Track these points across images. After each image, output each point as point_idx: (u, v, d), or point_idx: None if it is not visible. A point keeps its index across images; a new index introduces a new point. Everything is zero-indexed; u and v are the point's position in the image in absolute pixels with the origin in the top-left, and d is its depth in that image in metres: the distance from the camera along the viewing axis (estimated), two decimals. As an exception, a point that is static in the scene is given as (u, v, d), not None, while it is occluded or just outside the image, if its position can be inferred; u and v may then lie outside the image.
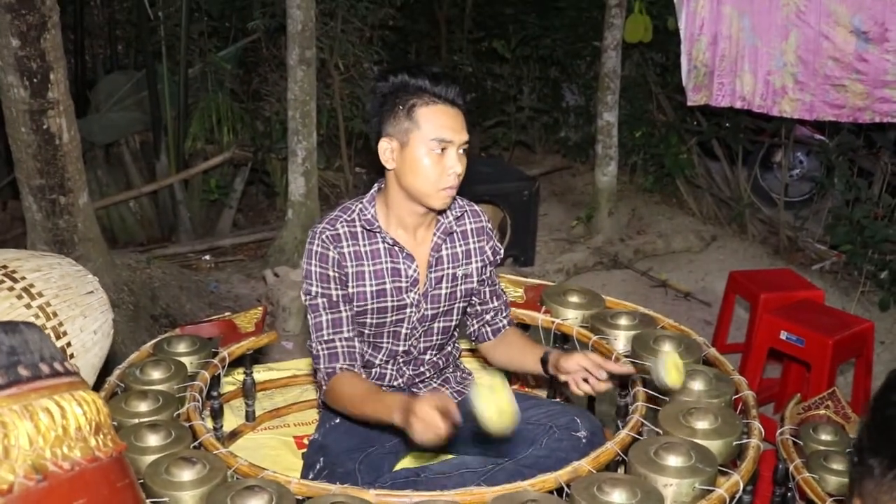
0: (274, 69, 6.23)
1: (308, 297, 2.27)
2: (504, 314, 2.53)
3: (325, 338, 2.25)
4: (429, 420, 1.85)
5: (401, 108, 2.15)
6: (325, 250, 2.24)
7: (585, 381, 2.20)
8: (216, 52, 6.37)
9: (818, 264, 5.58)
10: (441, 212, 2.30)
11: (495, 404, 1.77)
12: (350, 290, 2.25)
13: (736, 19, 4.76)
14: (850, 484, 1.01)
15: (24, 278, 1.95)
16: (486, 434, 1.83)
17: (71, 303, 2.02)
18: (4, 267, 1.95)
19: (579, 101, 7.76)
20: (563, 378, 2.27)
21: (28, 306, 1.92)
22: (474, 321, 2.52)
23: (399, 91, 2.16)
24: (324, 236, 2.25)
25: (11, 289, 1.91)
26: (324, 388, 2.26)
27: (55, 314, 1.97)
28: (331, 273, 2.24)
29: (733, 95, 4.88)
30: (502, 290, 2.57)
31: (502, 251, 2.51)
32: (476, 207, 2.45)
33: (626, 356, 2.45)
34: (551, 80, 7.81)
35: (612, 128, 5.98)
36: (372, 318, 2.30)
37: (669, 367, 2.05)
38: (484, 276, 2.44)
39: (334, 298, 2.25)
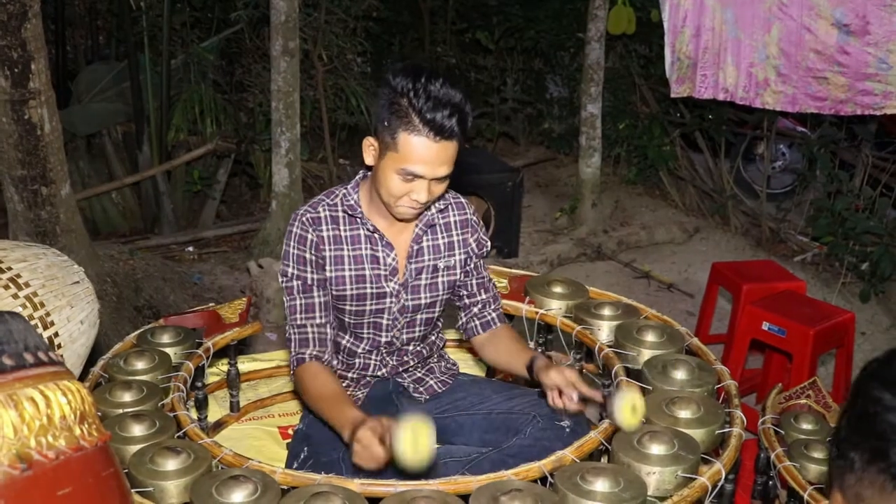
0: (257, 60, 6.20)
1: (284, 278, 2.26)
2: (493, 307, 2.50)
3: (298, 322, 2.25)
4: (367, 444, 1.85)
5: (386, 124, 2.08)
6: (305, 232, 2.23)
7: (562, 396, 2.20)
8: (199, 43, 6.34)
9: (800, 256, 5.62)
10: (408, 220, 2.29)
11: (412, 439, 1.76)
12: (328, 273, 2.25)
13: (719, 12, 4.77)
14: (830, 477, 1.01)
15: (10, 268, 1.94)
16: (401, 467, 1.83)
17: (57, 293, 2.02)
18: (-10, 257, 1.95)
19: (563, 93, 7.77)
20: (543, 389, 2.27)
21: (15, 296, 1.91)
22: (462, 314, 2.51)
23: (396, 101, 2.06)
24: (304, 218, 2.25)
25: (-2, 279, 1.91)
26: (292, 372, 2.26)
27: (42, 304, 1.96)
28: (307, 256, 2.23)
29: (716, 87, 4.90)
30: (492, 283, 2.54)
31: (489, 244, 2.50)
32: (462, 200, 2.44)
33: (610, 346, 2.46)
34: (535, 71, 7.83)
35: (595, 119, 5.99)
36: (351, 305, 2.30)
37: (626, 408, 1.98)
38: (469, 268, 2.43)
39: (309, 282, 2.24)
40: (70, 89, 6.76)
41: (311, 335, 2.24)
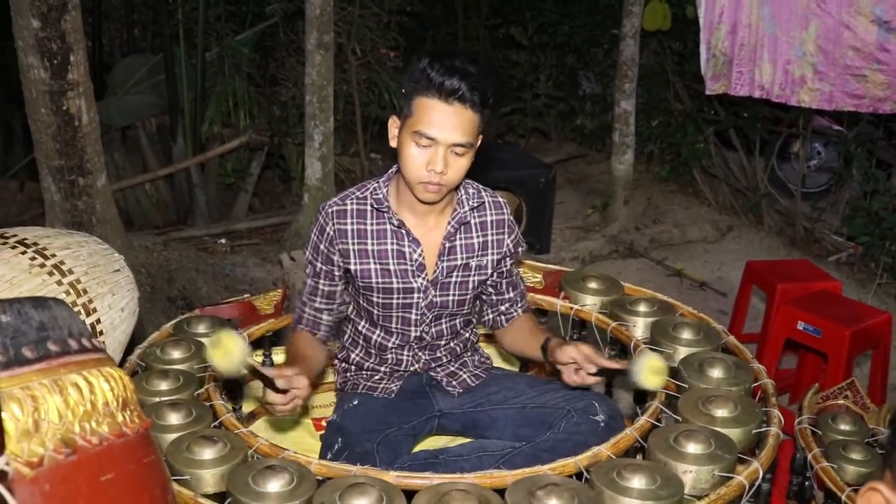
0: (291, 54, 6.22)
1: (305, 259, 2.39)
2: (520, 304, 2.51)
3: (303, 299, 2.39)
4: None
5: (403, 92, 2.18)
6: (325, 224, 2.29)
7: (579, 371, 2.20)
8: (233, 37, 6.37)
9: (835, 256, 5.56)
10: (431, 202, 2.25)
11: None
12: (353, 266, 2.28)
13: (755, 8, 4.72)
14: (883, 461, 1.01)
15: (54, 255, 1.97)
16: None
17: (100, 280, 2.03)
18: (35, 244, 1.97)
19: (596, 89, 7.73)
20: (558, 367, 2.26)
21: (59, 283, 1.94)
22: (489, 310, 2.51)
23: (415, 73, 2.15)
24: (328, 210, 2.30)
25: (42, 266, 1.92)
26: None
27: (85, 291, 1.98)
28: (321, 247, 2.30)
29: (752, 85, 4.85)
30: (521, 280, 2.54)
31: (525, 245, 2.49)
32: (500, 199, 2.41)
33: (645, 342, 2.44)
34: (568, 67, 7.78)
35: (629, 116, 5.96)
36: (378, 297, 2.30)
37: (647, 371, 2.06)
38: (503, 269, 2.43)
39: (317, 269, 2.34)
40: (106, 82, 6.81)
41: (305, 314, 2.39)
